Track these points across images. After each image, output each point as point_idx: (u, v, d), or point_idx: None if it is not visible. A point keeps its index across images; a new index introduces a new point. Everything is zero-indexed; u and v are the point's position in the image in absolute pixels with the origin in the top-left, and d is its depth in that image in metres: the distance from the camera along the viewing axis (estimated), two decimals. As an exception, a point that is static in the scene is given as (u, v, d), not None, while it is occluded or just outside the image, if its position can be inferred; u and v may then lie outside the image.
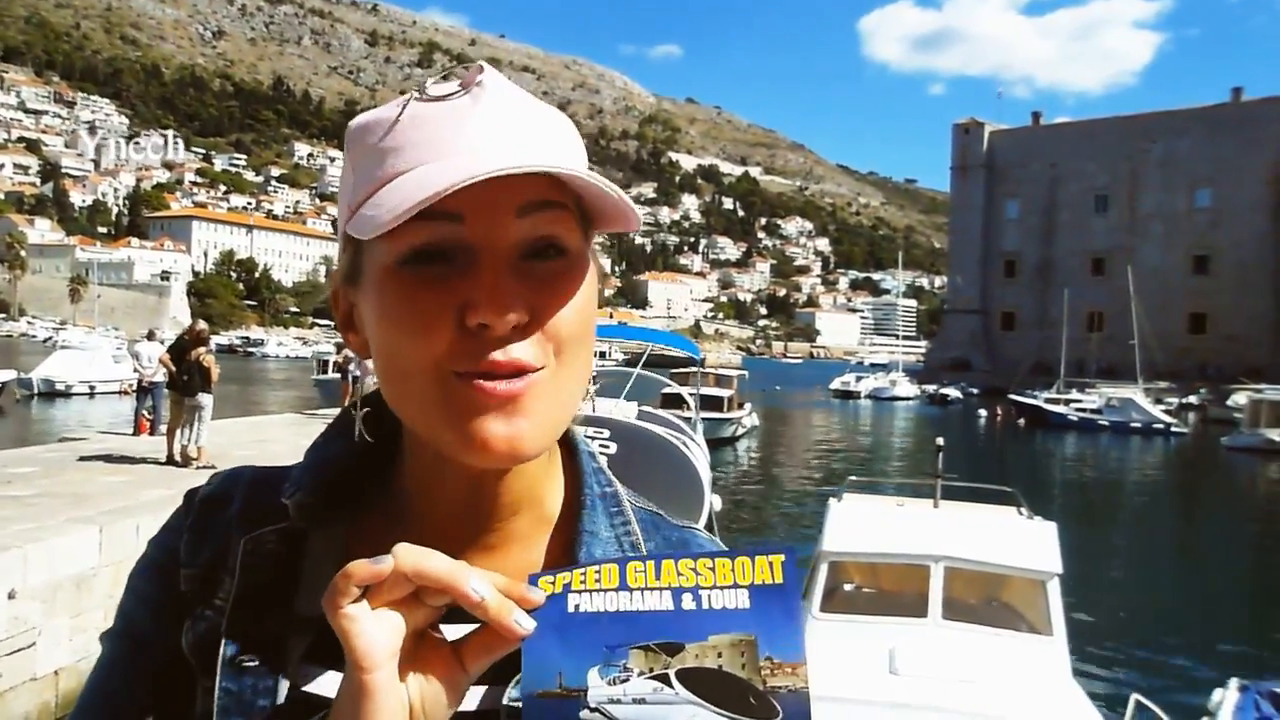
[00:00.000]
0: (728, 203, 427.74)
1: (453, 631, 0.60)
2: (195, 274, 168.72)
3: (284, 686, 0.69)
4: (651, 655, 0.56)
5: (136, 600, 0.76)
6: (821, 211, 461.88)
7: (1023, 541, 6.92)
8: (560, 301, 0.66)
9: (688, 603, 0.57)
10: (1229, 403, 54.81)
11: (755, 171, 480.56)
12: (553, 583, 0.59)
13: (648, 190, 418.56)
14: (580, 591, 0.58)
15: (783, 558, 0.59)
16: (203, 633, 0.71)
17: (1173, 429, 47.79)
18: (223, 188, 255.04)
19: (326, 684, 0.68)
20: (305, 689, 0.69)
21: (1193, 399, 64.43)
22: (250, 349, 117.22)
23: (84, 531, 7.63)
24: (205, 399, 12.85)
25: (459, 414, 0.64)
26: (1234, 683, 6.76)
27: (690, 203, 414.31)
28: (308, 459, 0.77)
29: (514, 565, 0.73)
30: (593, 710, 0.56)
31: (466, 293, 0.63)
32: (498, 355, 0.64)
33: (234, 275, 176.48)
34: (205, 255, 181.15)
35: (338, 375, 29.52)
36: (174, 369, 13.13)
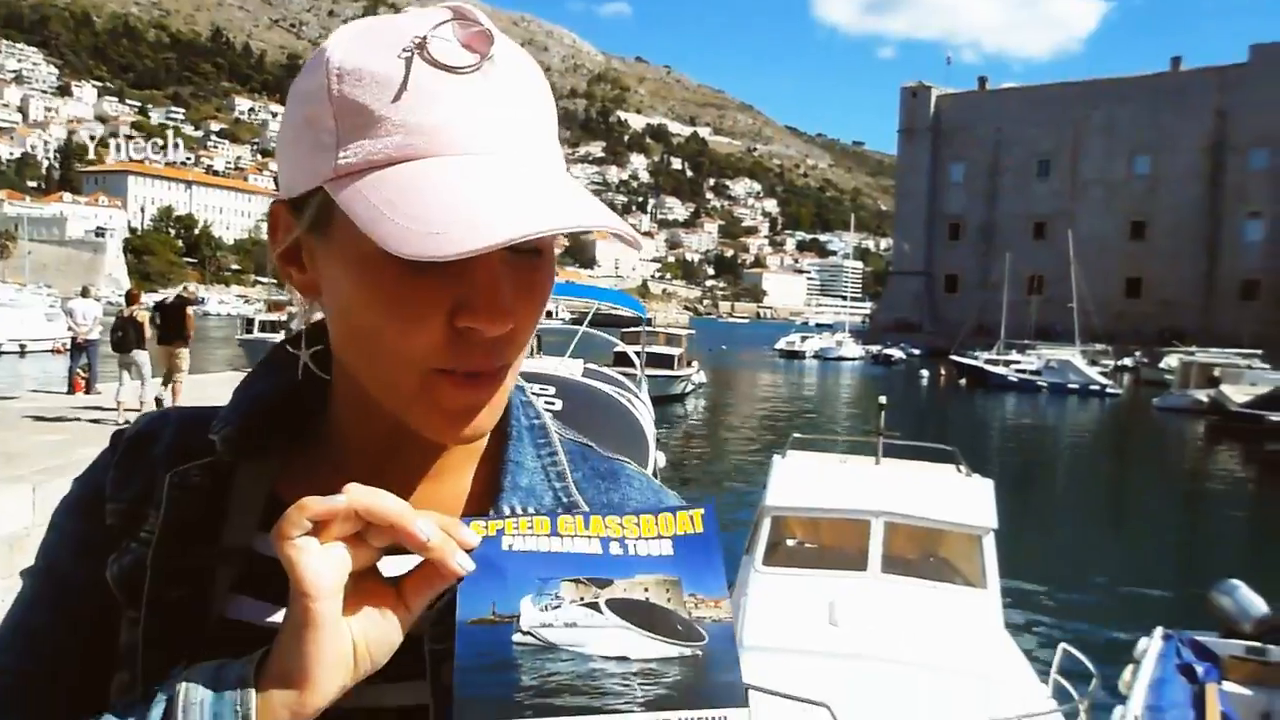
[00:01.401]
0: (676, 163, 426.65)
1: (386, 566, 0.62)
2: (132, 230, 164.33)
3: (211, 617, 0.69)
4: (582, 586, 0.58)
5: (61, 537, 0.75)
6: (770, 173, 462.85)
7: (960, 498, 7.08)
8: (537, 305, 0.67)
9: (615, 549, 0.60)
10: (1161, 365, 56.23)
11: (704, 132, 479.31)
12: (486, 528, 0.60)
13: (596, 149, 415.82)
14: (513, 535, 0.60)
15: (703, 511, 0.61)
16: (127, 565, 0.70)
17: (1108, 390, 48.96)
18: (160, 142, 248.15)
19: (252, 612, 0.69)
20: (232, 618, 0.69)
21: (1127, 361, 66.00)
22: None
23: (16, 490, 7.47)
24: (141, 355, 13.02)
25: (428, 403, 0.66)
26: (1158, 631, 6.97)
27: (639, 162, 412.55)
28: (236, 396, 0.77)
29: (444, 494, 0.75)
30: (525, 634, 0.57)
31: (460, 293, 0.63)
32: (482, 358, 0.65)
33: (173, 232, 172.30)
34: (142, 211, 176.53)
35: (268, 335, 28.62)
36: (161, 328, 13.42)
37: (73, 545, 0.74)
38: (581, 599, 0.58)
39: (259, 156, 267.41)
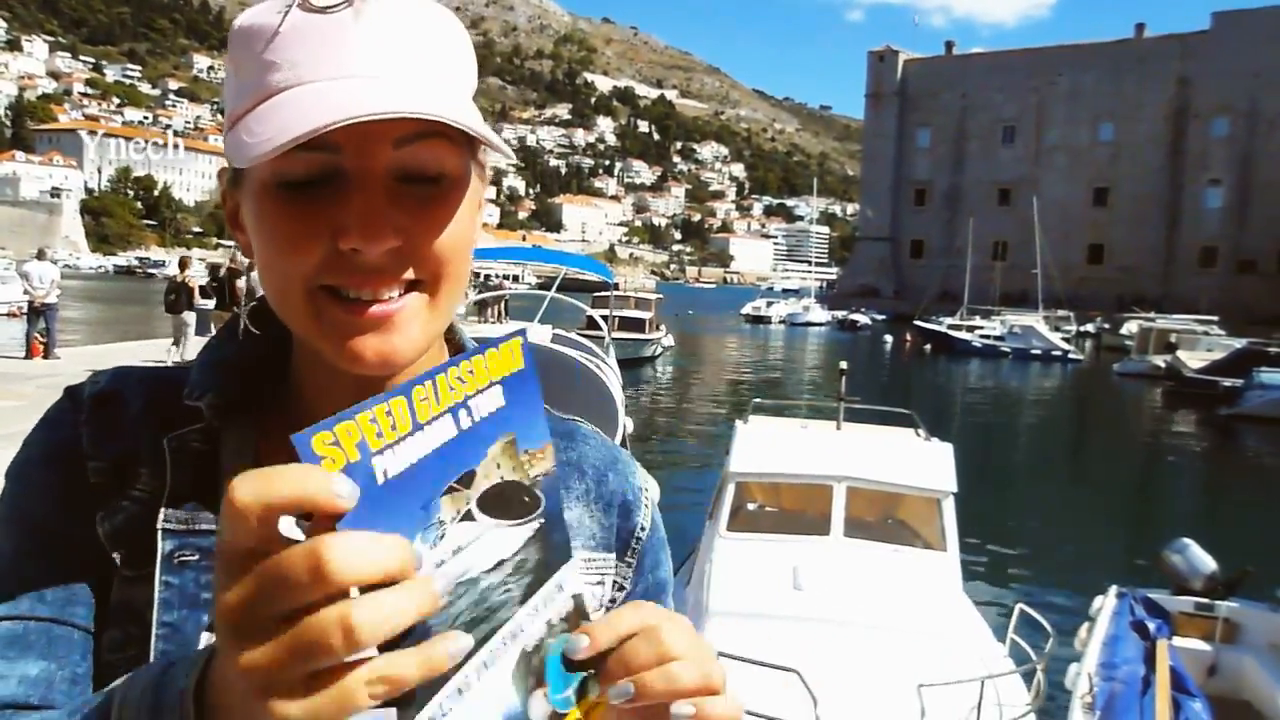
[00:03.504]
0: (643, 126, 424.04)
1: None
2: (89, 191, 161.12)
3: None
4: (456, 496, 0.53)
5: (37, 489, 0.73)
6: (737, 137, 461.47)
7: (920, 462, 7.18)
8: (435, 226, 0.68)
9: (465, 420, 0.54)
10: (1122, 331, 57.01)
11: (671, 94, 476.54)
12: (339, 446, 0.47)
13: (562, 111, 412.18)
14: (380, 451, 0.48)
15: (520, 341, 0.58)
16: (121, 523, 0.71)
17: (1070, 356, 49.56)
18: (116, 100, 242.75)
19: None
20: None
21: (1089, 327, 66.85)
22: (150, 270, 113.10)
23: (-24, 457, 7.38)
24: (189, 316, 14.91)
25: (331, 329, 0.67)
26: (1113, 590, 7.16)
27: (605, 125, 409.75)
28: (205, 361, 0.78)
29: None
30: None
31: (340, 217, 0.64)
32: (365, 279, 0.66)
33: (131, 193, 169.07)
34: (99, 172, 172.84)
35: (203, 302, 27.37)
36: (214, 295, 15.53)
37: (53, 497, 0.73)
38: (458, 513, 0.53)
39: (219, 116, 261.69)
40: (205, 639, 0.68)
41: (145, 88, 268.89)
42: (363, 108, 0.60)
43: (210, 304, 15.84)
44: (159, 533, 0.70)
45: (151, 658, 0.67)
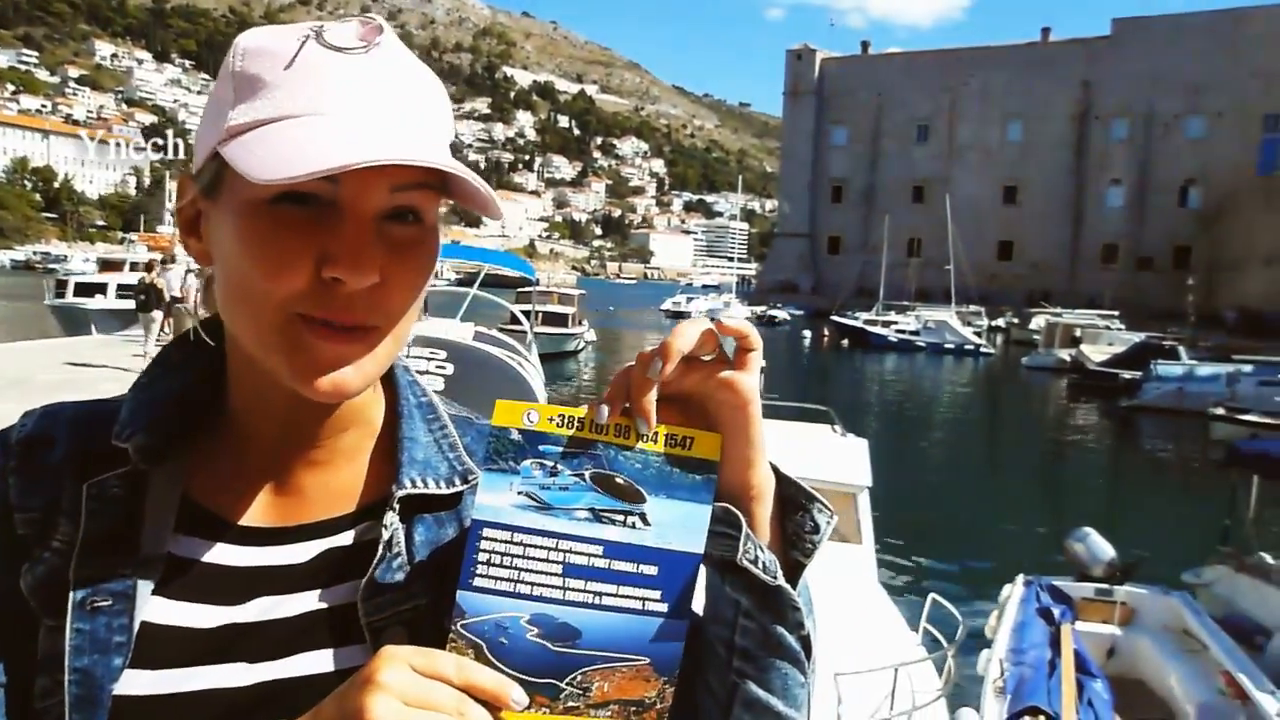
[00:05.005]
0: (563, 121, 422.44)
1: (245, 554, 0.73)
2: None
3: (137, 622, 0.69)
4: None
5: None
6: (657, 133, 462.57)
7: (836, 458, 7.36)
8: (409, 268, 0.69)
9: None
10: (1031, 326, 58.75)
11: (591, 90, 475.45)
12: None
13: (481, 106, 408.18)
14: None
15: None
16: (42, 575, 0.70)
17: (982, 350, 50.93)
18: (10, 87, 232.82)
19: (177, 614, 0.71)
20: (157, 621, 0.70)
21: (1000, 322, 68.71)
22: (51, 265, 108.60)
23: None
24: (157, 314, 15.84)
25: (293, 351, 0.67)
26: (1020, 579, 7.45)
27: (525, 120, 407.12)
28: (137, 399, 0.76)
29: (342, 479, 0.78)
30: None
31: (327, 244, 0.66)
32: (342, 309, 0.67)
33: (29, 185, 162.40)
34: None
35: (82, 300, 25.85)
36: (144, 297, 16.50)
37: None
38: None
39: (124, 106, 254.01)
40: (117, 684, 0.68)
41: (43, 75, 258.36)
42: (375, 148, 0.62)
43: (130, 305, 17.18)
44: (70, 581, 0.69)
45: (66, 704, 0.67)
